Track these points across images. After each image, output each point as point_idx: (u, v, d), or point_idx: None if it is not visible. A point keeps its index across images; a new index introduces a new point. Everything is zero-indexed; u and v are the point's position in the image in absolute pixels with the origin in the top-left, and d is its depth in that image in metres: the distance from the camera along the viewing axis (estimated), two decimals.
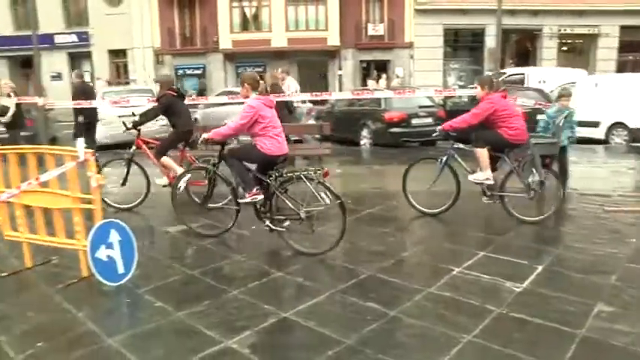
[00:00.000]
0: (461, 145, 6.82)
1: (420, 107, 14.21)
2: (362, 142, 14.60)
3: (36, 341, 3.78)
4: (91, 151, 4.45)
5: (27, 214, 5.00)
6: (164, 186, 7.46)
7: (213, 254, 5.61)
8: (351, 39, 28.75)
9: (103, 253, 4.48)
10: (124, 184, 7.52)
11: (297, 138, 12.52)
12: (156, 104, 7.93)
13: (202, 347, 3.63)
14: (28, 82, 31.96)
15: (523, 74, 18.69)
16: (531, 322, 3.87)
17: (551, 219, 6.49)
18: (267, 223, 5.62)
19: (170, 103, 7.53)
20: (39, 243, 5.03)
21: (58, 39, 30.18)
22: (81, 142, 4.51)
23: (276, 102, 6.49)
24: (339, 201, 5.20)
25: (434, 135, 7.13)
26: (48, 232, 4.95)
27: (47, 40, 28.61)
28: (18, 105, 11.17)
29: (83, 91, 12.55)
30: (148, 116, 7.56)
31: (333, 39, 28.14)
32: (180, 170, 7.16)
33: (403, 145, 13.71)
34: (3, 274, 5.02)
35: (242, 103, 5.88)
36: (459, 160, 6.79)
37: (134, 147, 7.47)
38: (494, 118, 6.39)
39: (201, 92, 25.36)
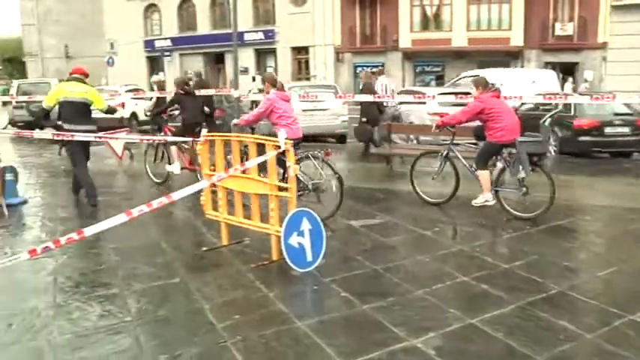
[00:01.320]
0: (459, 141, 7.60)
1: (616, 115, 12.93)
2: None
3: (233, 313, 4.08)
4: (290, 142, 4.68)
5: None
6: (182, 169, 8.80)
7: (396, 251, 5.63)
8: (536, 39, 27.16)
9: (294, 240, 4.69)
10: None
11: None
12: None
13: (388, 342, 3.63)
14: (219, 76, 34.88)
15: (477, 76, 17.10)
16: None
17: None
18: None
19: (178, 100, 9.01)
20: (235, 224, 5.43)
21: (247, 36, 32.46)
22: (282, 132, 4.75)
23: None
24: (337, 175, 6.30)
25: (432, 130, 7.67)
26: (244, 214, 5.32)
27: (237, 38, 30.83)
28: (159, 98, 12.42)
29: None
30: (159, 108, 9.66)
31: (517, 39, 26.84)
32: (178, 162, 8.71)
33: (593, 156, 12.62)
34: (203, 249, 5.52)
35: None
36: (458, 154, 7.36)
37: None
38: (484, 115, 6.84)
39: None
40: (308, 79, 30.77)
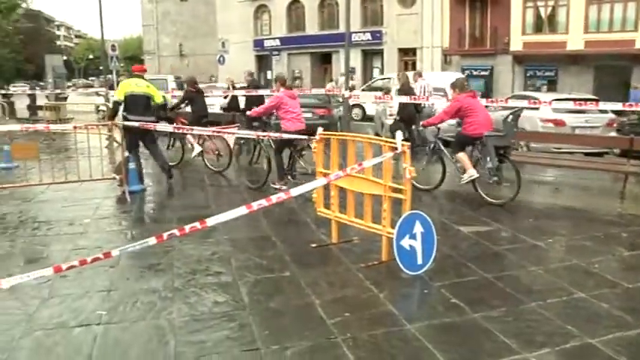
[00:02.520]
0: (443, 137, 8.75)
1: None
2: None
3: (343, 311, 4.15)
4: (408, 144, 4.68)
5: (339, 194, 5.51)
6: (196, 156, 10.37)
7: (507, 260, 5.48)
8: None
9: (406, 242, 4.69)
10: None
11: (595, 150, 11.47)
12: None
13: (500, 353, 3.55)
14: (325, 76, 35.35)
15: (390, 79, 20.20)
16: None
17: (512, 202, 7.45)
18: (289, 177, 8.36)
19: (190, 97, 11.29)
20: (345, 222, 5.50)
21: (354, 37, 32.51)
22: (399, 134, 4.76)
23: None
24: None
25: (419, 130, 9.53)
26: (356, 214, 5.38)
27: (344, 39, 31.13)
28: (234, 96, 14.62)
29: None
30: (178, 103, 11.69)
31: None
32: (197, 147, 10.31)
33: None
34: (313, 245, 5.64)
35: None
36: (442, 147, 8.49)
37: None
38: (461, 113, 7.88)
39: (486, 94, 24.93)
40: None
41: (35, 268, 5.19)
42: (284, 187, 7.92)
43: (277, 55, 36.50)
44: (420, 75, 14.25)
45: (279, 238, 6.04)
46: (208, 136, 9.86)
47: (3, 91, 27.31)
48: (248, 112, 9.16)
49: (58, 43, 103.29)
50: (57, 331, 3.93)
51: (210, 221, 3.92)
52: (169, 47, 49.73)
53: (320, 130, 5.57)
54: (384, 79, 22.87)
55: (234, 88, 15.62)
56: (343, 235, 5.76)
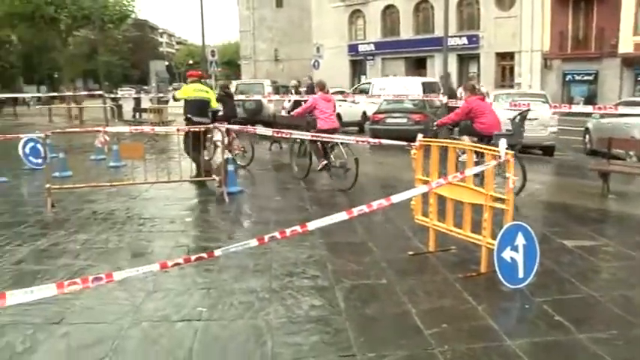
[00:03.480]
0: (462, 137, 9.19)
1: None
2: None
3: (441, 321, 4.07)
4: (511, 152, 4.51)
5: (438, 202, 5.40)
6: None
7: (615, 279, 5.16)
8: None
9: (507, 254, 4.53)
10: None
11: None
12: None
13: None
14: None
15: (369, 83, 22.06)
16: None
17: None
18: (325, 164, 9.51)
19: (221, 99, 11.49)
20: (444, 231, 5.39)
21: (450, 41, 31.90)
22: (503, 142, 4.60)
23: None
24: (355, 158, 8.73)
25: (433, 128, 10.71)
26: (454, 223, 5.25)
27: (440, 43, 30.62)
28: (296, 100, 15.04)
29: None
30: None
31: None
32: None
33: None
34: (410, 253, 5.56)
35: None
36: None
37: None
38: (472, 114, 8.59)
39: (589, 100, 23.68)
40: (512, 86, 29.44)
41: (141, 262, 5.51)
42: (324, 162, 9.44)
43: (372, 59, 36.55)
44: (478, 83, 15.88)
45: (375, 244, 6.03)
46: (236, 134, 10.92)
47: (112, 95, 29.10)
48: (292, 112, 11.29)
49: (161, 49, 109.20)
50: (161, 324, 4.13)
51: (311, 225, 3.95)
52: (265, 52, 51.12)
53: (420, 136, 5.49)
54: (367, 83, 23.87)
55: (297, 92, 16.71)
56: (440, 243, 5.65)
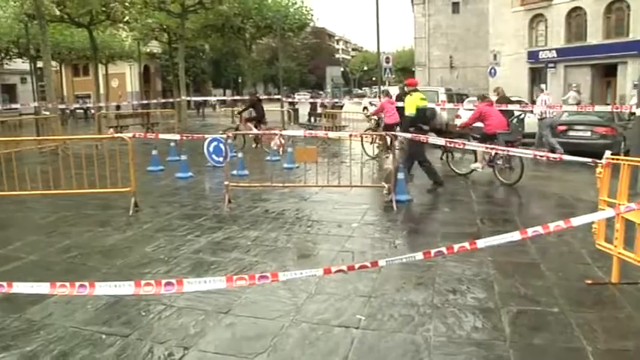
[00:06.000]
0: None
1: None
2: None
3: None
4: None
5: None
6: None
7: None
8: None
9: None
10: None
11: None
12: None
13: None
14: (607, 90, 32.04)
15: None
16: None
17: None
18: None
19: (253, 104, 15.70)
20: (630, 261, 4.80)
21: None
22: None
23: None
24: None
25: (456, 129, 12.57)
26: None
27: (635, 47, 27.80)
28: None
29: None
30: (244, 108, 16.59)
31: None
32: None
33: None
34: (588, 281, 5.04)
35: None
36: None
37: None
38: (481, 117, 10.76)
39: None
40: None
41: (306, 263, 5.70)
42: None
43: (553, 67, 34.21)
44: (542, 90, 15.76)
45: (548, 267, 5.56)
46: (274, 134, 13.56)
47: (290, 99, 30.67)
48: (367, 112, 15.15)
49: (337, 55, 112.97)
50: (319, 327, 4.19)
51: (481, 243, 3.74)
52: (439, 59, 50.42)
53: (607, 153, 4.95)
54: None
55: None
56: (625, 274, 5.04)
